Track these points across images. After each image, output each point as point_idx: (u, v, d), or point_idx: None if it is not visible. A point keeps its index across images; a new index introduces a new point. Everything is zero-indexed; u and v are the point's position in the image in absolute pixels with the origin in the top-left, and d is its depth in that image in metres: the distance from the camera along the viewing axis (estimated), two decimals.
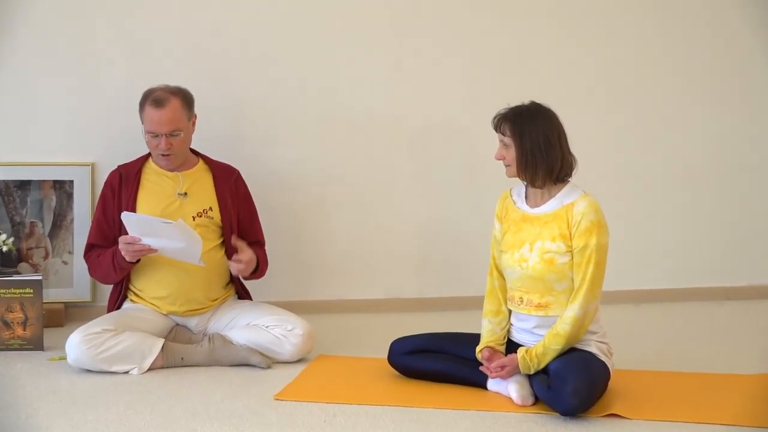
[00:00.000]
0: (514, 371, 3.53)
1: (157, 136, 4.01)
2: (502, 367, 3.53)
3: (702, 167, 5.21)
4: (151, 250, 3.87)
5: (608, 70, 5.10)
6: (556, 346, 3.46)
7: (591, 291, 3.46)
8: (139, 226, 3.85)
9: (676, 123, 5.18)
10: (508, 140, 3.53)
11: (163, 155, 4.05)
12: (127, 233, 3.93)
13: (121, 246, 3.90)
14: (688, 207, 5.21)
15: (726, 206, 5.24)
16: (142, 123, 4.05)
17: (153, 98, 4.01)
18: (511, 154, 3.53)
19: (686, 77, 5.16)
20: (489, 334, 3.65)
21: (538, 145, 3.48)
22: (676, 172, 5.20)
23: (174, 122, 4.01)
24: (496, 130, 3.57)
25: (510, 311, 3.66)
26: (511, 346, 3.63)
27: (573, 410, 3.33)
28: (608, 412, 3.39)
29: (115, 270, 3.98)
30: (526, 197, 3.63)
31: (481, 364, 3.62)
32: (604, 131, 5.11)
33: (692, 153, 5.19)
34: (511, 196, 3.67)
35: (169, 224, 3.82)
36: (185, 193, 4.10)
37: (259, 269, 4.13)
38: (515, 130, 3.51)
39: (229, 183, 4.19)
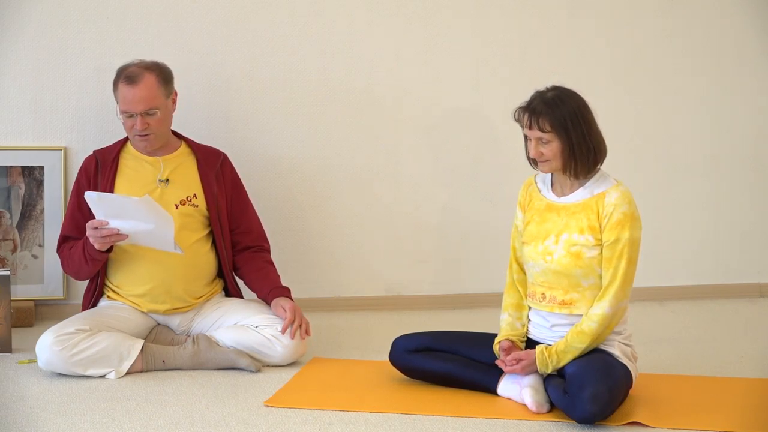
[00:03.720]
0: (530, 367, 3.54)
1: (132, 116, 4.02)
2: (518, 361, 3.55)
3: (735, 155, 5.21)
4: (120, 236, 3.87)
5: (627, 51, 5.10)
6: (579, 345, 3.48)
7: (622, 288, 3.48)
8: (104, 205, 3.86)
9: (707, 109, 5.17)
10: (548, 136, 3.49)
11: (140, 137, 4.05)
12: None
13: (88, 232, 3.90)
14: (719, 197, 5.21)
15: (760, 197, 5.24)
16: (117, 102, 4.06)
17: (126, 75, 4.03)
18: (553, 148, 3.50)
19: (718, 59, 5.16)
20: (509, 328, 3.67)
21: (580, 132, 3.48)
22: (705, 161, 5.20)
23: (149, 100, 4.02)
24: (529, 128, 3.51)
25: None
26: (530, 345, 3.65)
27: (591, 418, 3.33)
28: (629, 420, 3.40)
29: (87, 261, 3.99)
30: (552, 185, 3.63)
31: (494, 366, 3.64)
32: (625, 117, 5.10)
33: (724, 140, 5.19)
34: (536, 183, 3.68)
35: (133, 201, 3.83)
36: (167, 180, 4.10)
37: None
38: (556, 123, 3.47)
39: (214, 167, 4.19)
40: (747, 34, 5.15)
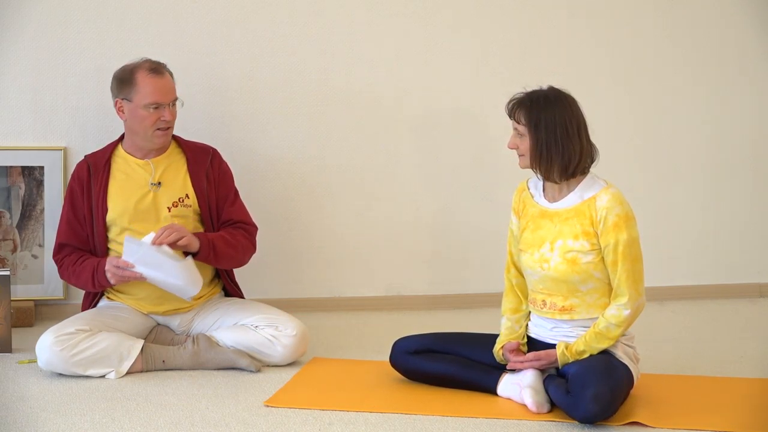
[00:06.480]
0: (550, 365, 3.56)
1: (158, 107, 4.01)
2: (538, 359, 3.56)
3: (735, 155, 5.20)
4: (141, 277, 3.87)
5: (627, 52, 5.10)
6: (599, 345, 3.50)
7: (635, 289, 3.49)
8: (140, 254, 3.83)
9: (707, 109, 5.17)
10: (522, 129, 3.53)
11: (162, 131, 4.05)
12: (104, 234, 4.01)
13: (108, 267, 3.89)
14: (719, 197, 5.21)
15: (760, 197, 5.24)
16: (130, 100, 4.03)
17: (149, 68, 4.04)
18: (526, 143, 3.54)
19: (718, 59, 5.15)
20: (509, 332, 3.69)
21: (554, 136, 3.49)
22: (705, 160, 5.19)
23: (174, 90, 4.08)
24: (510, 117, 3.57)
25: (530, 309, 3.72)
26: (530, 344, 3.66)
27: (593, 417, 3.33)
28: (629, 420, 3.40)
29: (94, 285, 3.99)
30: (543, 190, 3.64)
31: (494, 367, 3.66)
32: (625, 118, 5.10)
33: (724, 140, 5.19)
34: (528, 189, 3.68)
35: (176, 262, 3.81)
36: (159, 183, 4.09)
37: (216, 250, 3.99)
38: (530, 118, 3.51)
39: (204, 165, 4.16)
40: (747, 34, 5.15)
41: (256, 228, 4.22)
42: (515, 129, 3.57)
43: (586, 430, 3.35)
